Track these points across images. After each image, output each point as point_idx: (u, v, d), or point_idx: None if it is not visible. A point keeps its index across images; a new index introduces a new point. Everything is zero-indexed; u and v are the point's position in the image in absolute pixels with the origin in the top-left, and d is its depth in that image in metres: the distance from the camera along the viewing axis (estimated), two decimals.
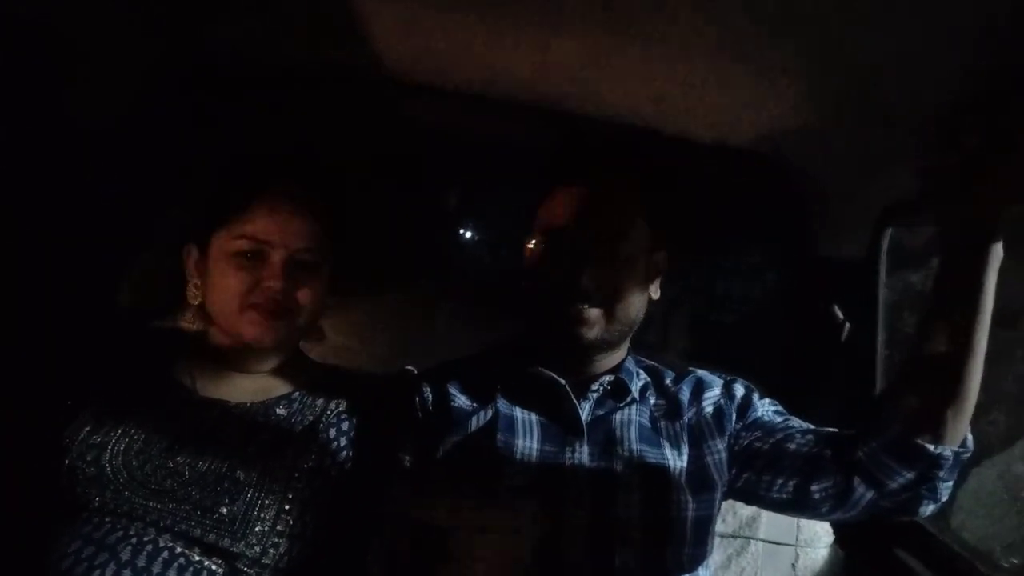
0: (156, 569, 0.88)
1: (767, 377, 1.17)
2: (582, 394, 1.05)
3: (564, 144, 1.19)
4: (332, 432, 1.04)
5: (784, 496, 1.02)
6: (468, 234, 1.69)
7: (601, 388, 1.06)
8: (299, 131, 1.29)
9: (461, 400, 1.05)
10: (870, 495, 0.97)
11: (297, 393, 1.07)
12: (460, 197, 1.61)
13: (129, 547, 0.89)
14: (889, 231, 1.31)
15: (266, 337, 1.00)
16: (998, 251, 0.83)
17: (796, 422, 1.08)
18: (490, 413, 1.03)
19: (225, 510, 0.92)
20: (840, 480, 0.98)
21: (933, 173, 0.89)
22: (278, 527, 0.94)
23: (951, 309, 0.87)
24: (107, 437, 0.95)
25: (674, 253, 1.10)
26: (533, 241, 1.07)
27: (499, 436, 1.01)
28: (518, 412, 1.04)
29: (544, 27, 1.01)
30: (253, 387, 1.05)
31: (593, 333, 1.02)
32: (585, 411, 1.05)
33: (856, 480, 0.97)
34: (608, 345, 1.06)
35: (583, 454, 1.01)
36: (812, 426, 1.06)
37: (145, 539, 0.90)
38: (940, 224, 0.89)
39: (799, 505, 1.02)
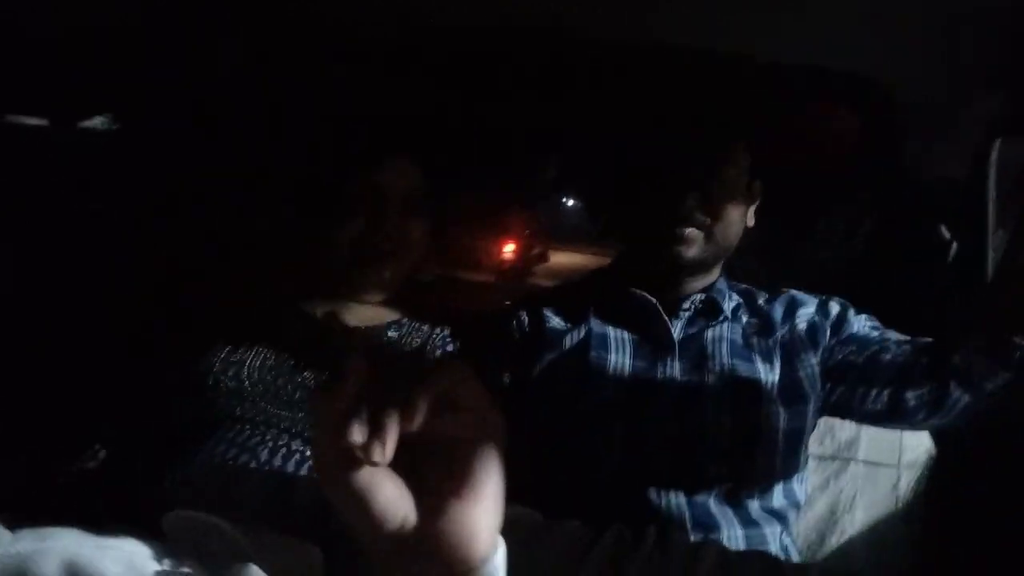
0: (290, 468, 1.00)
1: (872, 304, 1.16)
2: (674, 312, 1.09)
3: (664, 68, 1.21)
4: (438, 353, 1.13)
5: (879, 407, 1.03)
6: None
7: (693, 306, 1.09)
8: None
9: (555, 321, 1.11)
10: (966, 398, 0.96)
11: (406, 319, 1.16)
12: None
13: (267, 450, 1.01)
14: (997, 144, 1.25)
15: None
16: None
17: (892, 334, 1.07)
18: (583, 331, 1.09)
19: None
20: (936, 385, 0.98)
21: None
22: None
23: None
24: (244, 355, 1.07)
25: (772, 180, 1.11)
26: (637, 159, 1.10)
27: (592, 352, 1.06)
28: (610, 330, 1.09)
29: None
30: (368, 314, 1.15)
31: (692, 253, 1.05)
32: (677, 328, 1.08)
33: (952, 384, 0.96)
34: (703, 266, 1.09)
35: (675, 369, 1.05)
36: (906, 336, 1.05)
37: (280, 443, 1.01)
38: None
39: (894, 414, 1.02)
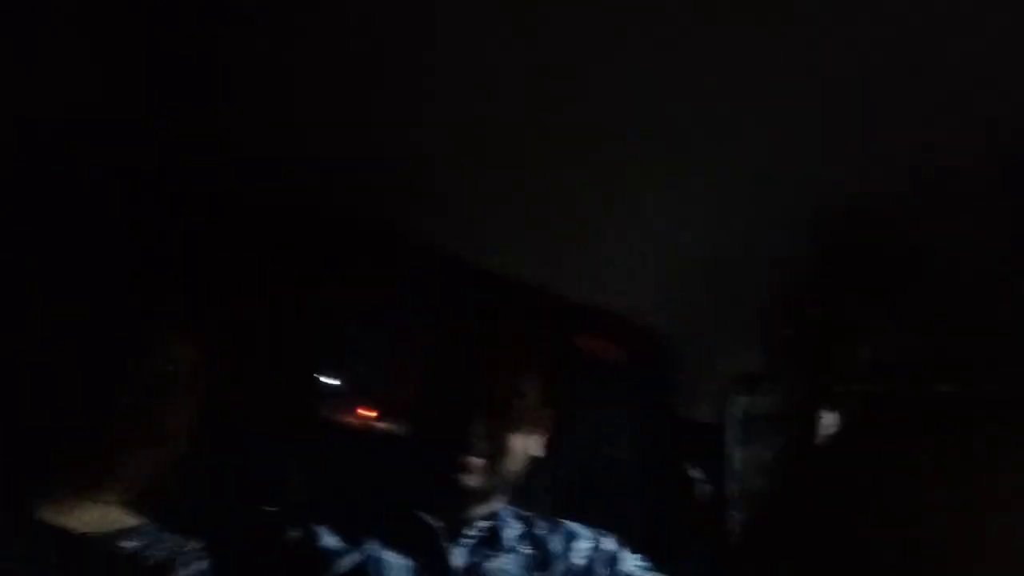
0: None
1: (634, 531, 1.21)
2: (456, 539, 1.04)
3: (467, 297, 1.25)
4: (188, 571, 0.95)
5: None
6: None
7: (476, 535, 1.06)
8: None
9: (329, 540, 1.01)
10: None
11: (151, 526, 0.97)
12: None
13: None
14: (740, 399, 1.44)
15: None
16: (824, 421, 0.94)
17: None
18: (360, 556, 0.99)
19: None
20: None
21: (773, 352, 1.01)
22: None
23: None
24: None
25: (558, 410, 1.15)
26: (424, 383, 1.09)
27: None
28: (389, 556, 1.01)
29: None
30: (100, 518, 0.95)
31: (475, 482, 1.03)
32: (459, 557, 1.03)
33: None
34: (487, 494, 1.07)
35: None
36: None
37: None
38: (781, 395, 1.00)
39: None
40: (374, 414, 1.91)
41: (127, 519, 0.97)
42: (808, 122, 0.72)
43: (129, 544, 0.94)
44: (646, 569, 1.13)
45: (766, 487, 1.02)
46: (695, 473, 1.46)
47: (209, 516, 1.02)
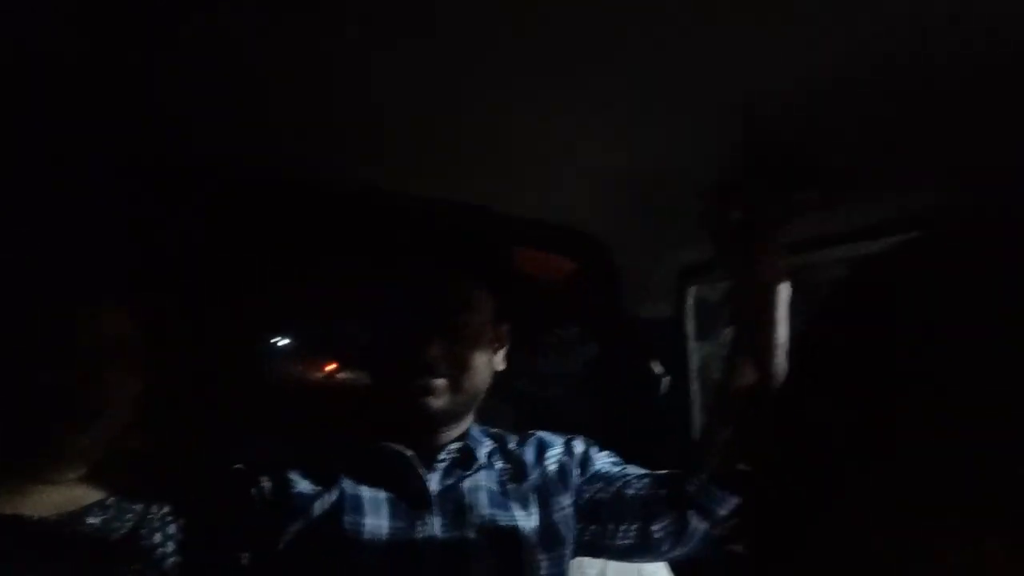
0: None
1: (600, 435, 1.23)
2: (429, 465, 1.04)
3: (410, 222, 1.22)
4: (157, 537, 0.94)
5: (628, 541, 1.07)
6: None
7: (448, 457, 1.06)
8: None
9: (303, 485, 1.00)
10: (704, 526, 1.04)
11: (112, 499, 0.95)
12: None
13: None
14: (692, 289, 1.46)
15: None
16: (785, 291, 0.95)
17: (633, 469, 1.13)
18: (335, 495, 0.99)
19: None
20: (676, 516, 1.04)
21: (717, 237, 1.01)
22: None
23: (751, 347, 0.98)
24: None
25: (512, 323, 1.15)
26: (379, 314, 1.07)
27: (346, 518, 0.97)
28: (365, 490, 1.01)
29: None
30: (59, 498, 0.92)
31: (439, 403, 1.02)
32: (433, 481, 1.03)
33: (690, 513, 1.04)
34: (454, 415, 1.06)
35: (434, 525, 1.00)
36: (647, 471, 1.12)
37: None
38: (731, 277, 1.01)
39: (642, 548, 1.07)
40: (334, 365, 1.90)
41: (91, 495, 0.95)
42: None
43: (94, 520, 0.92)
44: (615, 463, 1.15)
45: (727, 367, 1.04)
46: (657, 368, 1.48)
47: (174, 481, 1.01)
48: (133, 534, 0.92)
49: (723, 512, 1.02)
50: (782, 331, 0.94)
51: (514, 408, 1.49)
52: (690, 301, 1.45)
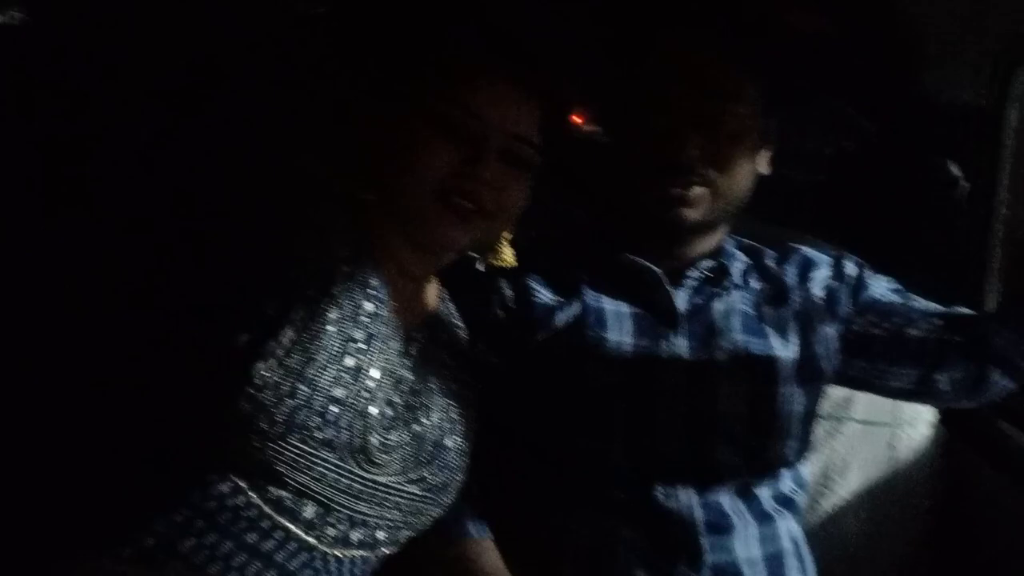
0: None
1: (873, 250, 1.05)
2: (678, 281, 0.94)
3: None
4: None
5: (904, 385, 0.94)
6: None
7: (699, 274, 0.95)
8: None
9: (544, 295, 0.95)
10: (1006, 383, 0.89)
11: None
12: None
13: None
14: (1020, 70, 1.13)
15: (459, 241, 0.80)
16: None
17: (918, 303, 0.97)
18: (577, 307, 0.93)
19: None
20: (973, 369, 0.89)
21: None
22: None
23: None
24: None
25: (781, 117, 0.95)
26: (623, 108, 0.92)
27: (588, 331, 0.91)
28: (607, 303, 0.94)
29: None
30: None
31: (697, 214, 0.89)
32: (682, 300, 0.94)
33: (990, 368, 0.88)
34: (710, 227, 0.94)
35: (681, 346, 0.92)
36: (938, 307, 0.95)
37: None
38: None
39: (921, 394, 0.95)
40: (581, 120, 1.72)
41: None
42: None
43: None
44: (896, 292, 0.98)
45: None
46: (954, 169, 1.21)
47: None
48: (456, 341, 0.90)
49: None
50: None
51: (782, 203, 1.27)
52: (1018, 87, 1.13)
